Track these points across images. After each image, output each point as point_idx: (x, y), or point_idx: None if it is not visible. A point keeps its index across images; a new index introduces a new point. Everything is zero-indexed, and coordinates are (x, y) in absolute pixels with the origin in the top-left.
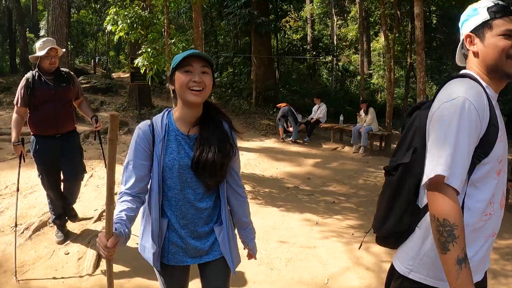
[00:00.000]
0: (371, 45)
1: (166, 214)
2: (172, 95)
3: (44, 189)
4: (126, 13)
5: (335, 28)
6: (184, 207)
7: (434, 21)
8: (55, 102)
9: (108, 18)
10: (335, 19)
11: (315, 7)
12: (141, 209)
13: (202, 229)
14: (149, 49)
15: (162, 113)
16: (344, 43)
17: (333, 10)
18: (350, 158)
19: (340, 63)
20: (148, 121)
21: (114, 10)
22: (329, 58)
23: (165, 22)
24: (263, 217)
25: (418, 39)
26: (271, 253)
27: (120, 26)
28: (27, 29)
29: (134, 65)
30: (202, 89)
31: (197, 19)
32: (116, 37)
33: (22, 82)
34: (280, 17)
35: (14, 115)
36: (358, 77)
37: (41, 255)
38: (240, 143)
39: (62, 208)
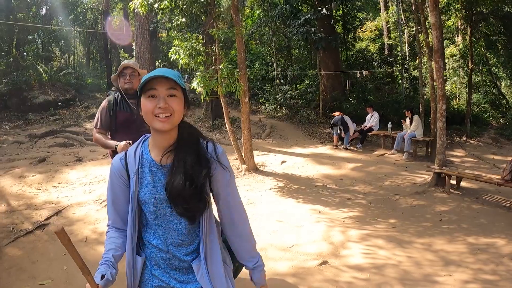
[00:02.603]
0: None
1: (143, 252)
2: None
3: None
4: (185, 45)
5: (406, 36)
6: (163, 244)
7: None
8: (137, 127)
9: (172, 49)
10: (403, 28)
11: (390, 15)
12: None
13: (181, 265)
14: (200, 77)
15: (138, 141)
16: (424, 49)
17: (402, 17)
18: (392, 163)
19: (416, 72)
20: (122, 154)
21: (177, 42)
22: (398, 67)
23: (216, 51)
24: (277, 204)
25: (435, 47)
26: (264, 227)
27: (182, 56)
28: (122, 49)
29: (191, 88)
30: (170, 114)
31: (239, 46)
32: (180, 64)
33: (104, 104)
34: (348, 30)
35: (96, 135)
36: (435, 83)
37: None
38: (291, 149)
39: None
